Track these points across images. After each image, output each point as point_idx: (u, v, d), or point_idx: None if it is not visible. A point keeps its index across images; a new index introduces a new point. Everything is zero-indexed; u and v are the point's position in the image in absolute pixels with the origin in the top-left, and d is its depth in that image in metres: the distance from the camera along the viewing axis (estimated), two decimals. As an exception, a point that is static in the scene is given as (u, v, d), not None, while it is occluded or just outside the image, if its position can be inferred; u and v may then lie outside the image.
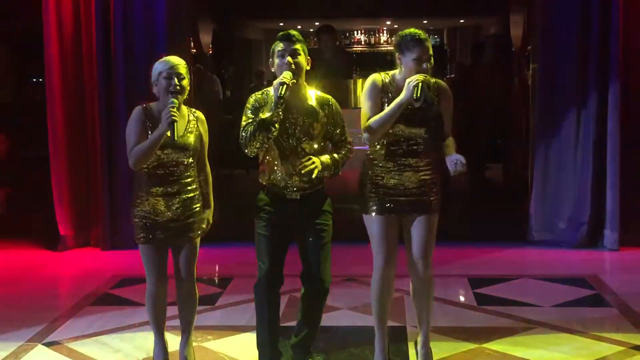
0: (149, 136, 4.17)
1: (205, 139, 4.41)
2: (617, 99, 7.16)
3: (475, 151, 9.49)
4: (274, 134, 4.14)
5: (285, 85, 4.08)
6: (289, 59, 4.18)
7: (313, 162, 4.18)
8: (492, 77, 10.00)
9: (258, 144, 4.14)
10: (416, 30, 4.21)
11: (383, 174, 4.28)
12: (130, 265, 7.03)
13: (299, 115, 4.25)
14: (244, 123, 4.20)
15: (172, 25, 7.65)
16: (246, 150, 4.19)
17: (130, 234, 7.44)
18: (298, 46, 4.21)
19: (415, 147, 4.26)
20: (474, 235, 7.70)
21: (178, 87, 4.18)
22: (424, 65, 4.16)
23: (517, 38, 9.87)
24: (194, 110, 4.42)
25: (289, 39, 4.21)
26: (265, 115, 4.09)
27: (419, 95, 4.06)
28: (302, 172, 4.18)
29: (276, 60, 4.23)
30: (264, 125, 4.09)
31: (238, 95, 13.17)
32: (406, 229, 4.36)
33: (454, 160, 4.05)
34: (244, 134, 4.15)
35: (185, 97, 4.26)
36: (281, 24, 16.26)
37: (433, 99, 4.20)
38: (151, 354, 4.68)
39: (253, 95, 4.33)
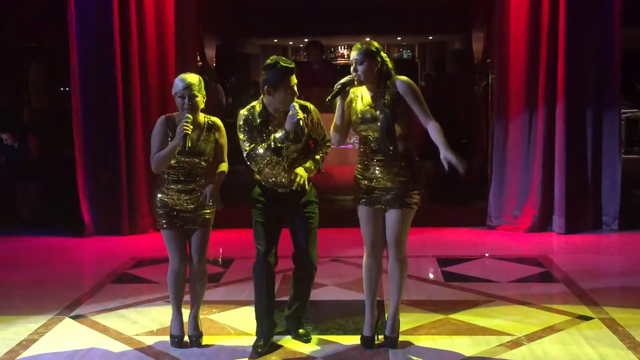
0: (167, 146, 4.15)
1: (222, 141, 4.33)
2: (563, 103, 7.14)
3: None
4: (283, 155, 4.13)
5: (301, 121, 4.02)
6: (296, 101, 4.09)
7: (300, 177, 4.12)
8: (457, 85, 10.03)
9: (266, 162, 4.13)
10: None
11: (363, 169, 4.20)
12: (145, 249, 6.99)
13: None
14: (244, 141, 4.14)
15: (181, 42, 7.60)
16: (254, 167, 4.17)
17: (146, 222, 7.53)
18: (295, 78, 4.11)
19: (373, 146, 4.13)
20: (442, 221, 7.67)
21: (190, 104, 4.15)
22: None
23: (478, 52, 9.86)
24: (210, 117, 4.34)
25: (291, 73, 4.07)
26: (279, 145, 4.05)
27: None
28: (294, 188, 4.13)
29: (282, 94, 4.06)
30: (276, 151, 4.08)
31: (238, 102, 13.11)
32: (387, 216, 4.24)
33: (443, 160, 4.05)
34: (249, 150, 4.11)
35: (201, 107, 4.21)
36: (275, 40, 16.19)
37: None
38: (164, 325, 4.63)
39: (241, 114, 4.20)
